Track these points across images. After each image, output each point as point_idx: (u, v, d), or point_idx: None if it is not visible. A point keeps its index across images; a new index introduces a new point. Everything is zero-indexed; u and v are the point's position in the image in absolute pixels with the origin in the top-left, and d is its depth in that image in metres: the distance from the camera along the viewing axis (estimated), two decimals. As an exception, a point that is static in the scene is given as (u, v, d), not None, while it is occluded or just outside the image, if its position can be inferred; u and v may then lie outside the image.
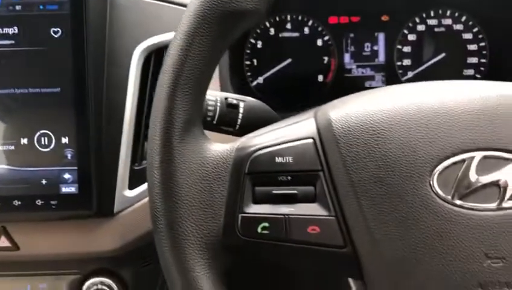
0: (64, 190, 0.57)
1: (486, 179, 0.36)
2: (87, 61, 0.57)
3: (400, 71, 0.78)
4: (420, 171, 0.36)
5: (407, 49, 0.78)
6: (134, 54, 0.63)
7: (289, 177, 0.38)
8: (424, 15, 0.77)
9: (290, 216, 0.37)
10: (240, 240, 0.37)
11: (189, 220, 0.37)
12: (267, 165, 0.38)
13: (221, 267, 0.38)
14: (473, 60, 0.77)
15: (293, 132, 0.39)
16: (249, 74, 0.78)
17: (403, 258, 0.36)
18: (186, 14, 0.38)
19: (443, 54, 0.77)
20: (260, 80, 0.79)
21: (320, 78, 0.79)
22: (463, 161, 0.36)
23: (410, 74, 0.78)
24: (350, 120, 0.38)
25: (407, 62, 0.78)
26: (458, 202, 0.36)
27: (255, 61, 0.78)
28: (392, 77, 0.79)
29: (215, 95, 0.50)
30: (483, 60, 0.77)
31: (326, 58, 0.78)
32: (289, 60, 0.78)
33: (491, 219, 0.35)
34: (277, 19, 0.78)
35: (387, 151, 0.37)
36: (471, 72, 0.78)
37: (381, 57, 0.78)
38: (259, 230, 0.37)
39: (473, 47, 0.77)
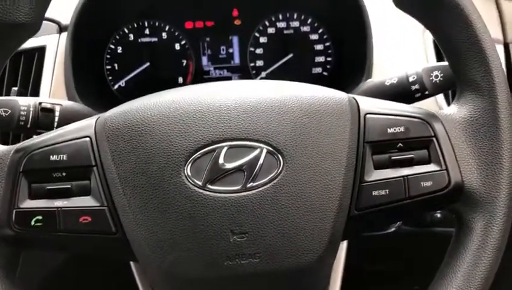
0: None
1: (232, 165, 0.41)
2: None
3: (254, 72, 0.84)
4: (176, 161, 0.40)
5: (259, 50, 0.84)
6: None
7: (64, 174, 0.41)
8: (273, 18, 0.83)
9: (63, 209, 0.41)
10: (15, 233, 0.40)
11: None
12: (42, 163, 0.41)
13: (1, 259, 0.41)
14: (320, 58, 0.84)
15: (73, 132, 0.43)
16: (110, 78, 0.82)
17: (163, 239, 0.40)
18: None
19: (291, 54, 0.83)
20: (122, 83, 0.82)
21: (180, 80, 0.83)
22: (213, 150, 0.41)
23: (263, 74, 0.84)
24: (120, 118, 0.42)
25: (259, 63, 0.84)
26: (208, 186, 0.40)
27: (115, 65, 0.81)
28: (247, 77, 0.84)
29: (28, 100, 0.52)
30: (329, 59, 0.84)
31: (184, 62, 0.83)
32: (147, 64, 0.81)
33: (235, 199, 0.40)
34: (135, 25, 0.81)
35: (148, 145, 0.41)
36: (319, 70, 0.85)
37: (237, 59, 0.84)
38: (32, 223, 0.40)
39: (319, 47, 0.84)
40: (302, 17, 0.83)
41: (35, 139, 0.43)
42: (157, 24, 0.82)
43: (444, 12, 0.43)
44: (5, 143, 0.66)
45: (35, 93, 0.70)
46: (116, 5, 0.77)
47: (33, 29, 0.42)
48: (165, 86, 0.83)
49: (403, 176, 0.43)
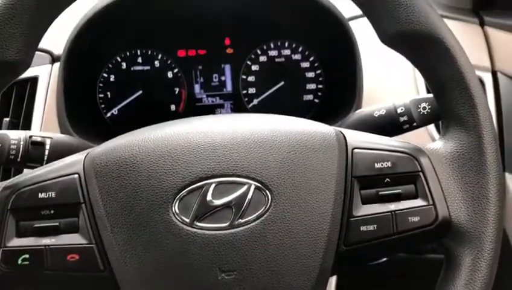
0: None
1: (220, 201, 0.41)
2: None
3: (246, 99, 0.85)
4: (164, 198, 0.41)
5: (251, 78, 0.84)
6: None
7: (52, 211, 0.41)
8: (264, 47, 0.84)
9: (51, 247, 0.41)
10: (1, 272, 0.40)
11: None
12: (30, 200, 0.41)
13: None
14: (311, 86, 0.85)
15: (61, 169, 0.43)
16: (102, 106, 0.82)
17: (151, 277, 0.40)
18: None
19: (282, 82, 0.84)
20: (114, 111, 0.82)
21: (173, 107, 0.84)
22: (201, 187, 0.41)
23: (255, 101, 0.85)
24: (109, 155, 0.42)
25: (252, 90, 0.85)
26: (196, 223, 0.40)
27: (108, 93, 0.82)
28: (240, 104, 0.85)
29: (18, 134, 0.53)
30: (320, 86, 0.85)
31: (177, 89, 0.83)
32: (140, 92, 0.82)
33: (223, 236, 0.40)
34: (128, 53, 0.82)
35: (136, 182, 0.41)
36: (310, 97, 0.85)
37: (229, 87, 0.85)
38: (19, 261, 0.40)
39: (310, 74, 0.85)
40: (294, 45, 0.85)
41: (24, 176, 0.43)
42: (149, 52, 0.82)
43: (429, 49, 0.44)
44: None
45: (27, 123, 0.70)
46: (109, 35, 0.78)
47: (24, 66, 0.42)
48: (157, 114, 0.84)
49: (390, 211, 0.43)
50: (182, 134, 0.43)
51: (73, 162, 0.43)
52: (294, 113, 0.83)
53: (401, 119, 0.58)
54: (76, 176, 0.42)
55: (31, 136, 0.53)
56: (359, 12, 0.83)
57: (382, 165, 0.44)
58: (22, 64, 0.42)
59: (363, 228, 0.42)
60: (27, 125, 0.70)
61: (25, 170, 0.67)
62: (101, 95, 0.82)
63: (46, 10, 0.42)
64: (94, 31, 0.71)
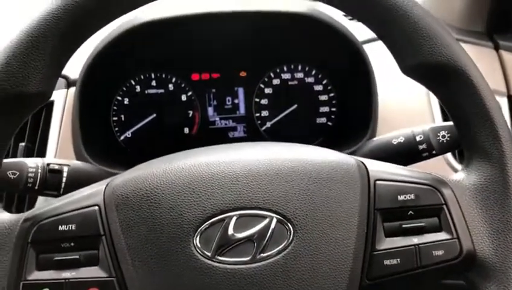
0: None
1: (242, 235, 0.40)
2: None
3: (259, 122, 0.85)
4: (185, 232, 0.40)
5: (264, 101, 0.85)
6: None
7: (72, 243, 0.41)
8: (278, 70, 0.85)
9: (71, 280, 0.40)
10: None
11: None
12: (51, 233, 0.41)
13: None
14: (324, 109, 0.85)
15: (81, 200, 0.43)
16: (116, 129, 0.82)
17: None
18: None
19: (295, 105, 0.84)
20: (128, 134, 0.82)
21: (186, 130, 0.84)
22: (223, 220, 0.40)
23: (268, 124, 0.85)
24: (129, 186, 0.42)
25: (265, 113, 0.85)
26: (217, 257, 0.40)
27: (122, 116, 0.82)
28: (253, 127, 0.85)
29: (36, 161, 0.53)
30: (333, 109, 0.85)
31: (191, 112, 0.84)
32: (154, 115, 0.82)
33: (245, 271, 0.40)
34: (142, 77, 0.82)
35: (157, 215, 0.41)
36: (323, 120, 0.85)
37: (242, 110, 0.85)
38: None
39: (323, 97, 0.85)
40: (306, 68, 0.85)
41: (44, 208, 0.43)
42: (164, 76, 0.83)
43: (451, 80, 0.43)
44: (8, 205, 0.66)
45: (43, 147, 0.70)
46: (125, 59, 0.79)
47: (46, 97, 0.42)
48: (171, 137, 0.84)
49: (414, 245, 0.42)
50: (202, 165, 0.43)
51: (93, 193, 0.43)
52: (307, 136, 0.84)
53: (420, 147, 0.57)
54: (96, 207, 0.42)
55: (48, 164, 0.53)
56: (372, 35, 0.84)
57: (405, 197, 0.43)
58: (44, 95, 0.42)
59: (386, 262, 0.42)
60: (42, 150, 0.70)
61: (39, 197, 0.67)
62: (115, 118, 0.82)
63: (69, 42, 0.42)
64: (111, 56, 0.72)
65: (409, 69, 0.45)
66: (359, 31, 0.77)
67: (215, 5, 0.74)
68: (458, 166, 0.72)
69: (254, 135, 0.84)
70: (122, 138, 0.82)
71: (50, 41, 0.41)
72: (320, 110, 0.85)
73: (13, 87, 0.40)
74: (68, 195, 0.44)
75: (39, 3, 0.43)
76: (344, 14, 0.90)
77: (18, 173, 0.52)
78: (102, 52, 0.70)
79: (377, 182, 0.43)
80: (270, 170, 0.42)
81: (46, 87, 0.42)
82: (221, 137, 0.84)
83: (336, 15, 0.79)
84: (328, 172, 0.43)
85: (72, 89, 0.74)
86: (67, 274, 0.40)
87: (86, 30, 0.43)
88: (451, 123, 0.58)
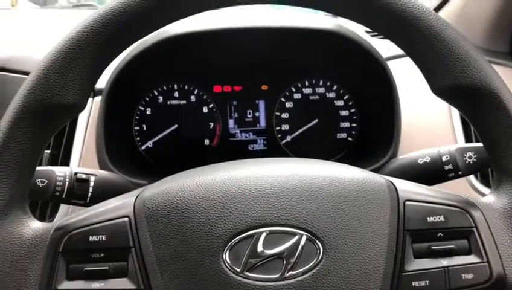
0: None
1: (271, 251, 0.40)
2: None
3: (279, 135, 0.85)
4: (215, 246, 0.40)
5: (285, 115, 0.85)
6: None
7: (102, 254, 0.41)
8: (299, 84, 0.85)
9: None
10: None
11: None
12: (81, 243, 0.41)
13: None
14: (345, 124, 0.85)
15: (111, 211, 0.43)
16: (138, 138, 0.83)
17: None
18: (10, 107, 0.42)
19: (316, 120, 0.84)
20: (149, 144, 0.83)
21: (207, 142, 0.84)
22: (252, 236, 0.41)
23: (288, 138, 0.85)
24: (160, 199, 0.42)
25: (285, 127, 0.85)
26: (246, 273, 0.40)
27: (144, 126, 0.83)
28: (273, 140, 0.85)
29: (64, 170, 0.53)
30: (354, 125, 0.85)
31: (211, 124, 0.84)
32: (175, 126, 0.83)
33: (273, 288, 0.39)
34: (165, 88, 0.83)
35: (187, 229, 0.41)
36: (343, 135, 0.85)
37: (262, 123, 0.85)
38: None
39: (344, 113, 0.85)
40: (328, 83, 0.85)
41: (75, 218, 0.43)
42: (186, 87, 0.84)
43: (483, 103, 0.43)
44: (31, 211, 0.66)
45: (67, 155, 0.71)
46: (149, 70, 0.79)
47: (81, 108, 0.43)
48: (191, 148, 0.85)
49: (443, 267, 0.42)
50: (233, 179, 0.43)
51: (123, 204, 0.44)
52: (327, 151, 0.84)
53: (446, 167, 0.57)
54: (126, 219, 0.42)
55: (76, 173, 0.54)
56: (394, 52, 0.84)
57: (435, 219, 0.43)
58: (80, 106, 0.43)
59: (415, 283, 0.41)
60: (67, 157, 0.71)
61: (62, 205, 0.67)
62: (137, 128, 0.83)
63: (105, 55, 0.43)
64: (137, 67, 0.73)
65: (440, 90, 0.45)
66: (381, 48, 0.78)
67: (241, 20, 0.75)
68: (481, 187, 0.72)
69: (274, 148, 0.85)
70: (143, 147, 0.83)
71: (88, 54, 0.41)
72: (341, 126, 0.85)
73: (51, 98, 0.41)
74: (97, 205, 0.45)
75: (78, 17, 0.44)
76: (366, 30, 0.91)
77: (47, 181, 0.53)
78: (129, 64, 0.71)
79: (407, 202, 0.43)
80: (300, 187, 0.42)
81: (82, 98, 0.43)
82: (241, 149, 0.85)
83: (359, 31, 0.79)
84: (359, 191, 0.43)
85: (97, 98, 0.75)
86: (96, 285, 0.41)
87: (121, 45, 0.44)
88: (477, 144, 0.58)
